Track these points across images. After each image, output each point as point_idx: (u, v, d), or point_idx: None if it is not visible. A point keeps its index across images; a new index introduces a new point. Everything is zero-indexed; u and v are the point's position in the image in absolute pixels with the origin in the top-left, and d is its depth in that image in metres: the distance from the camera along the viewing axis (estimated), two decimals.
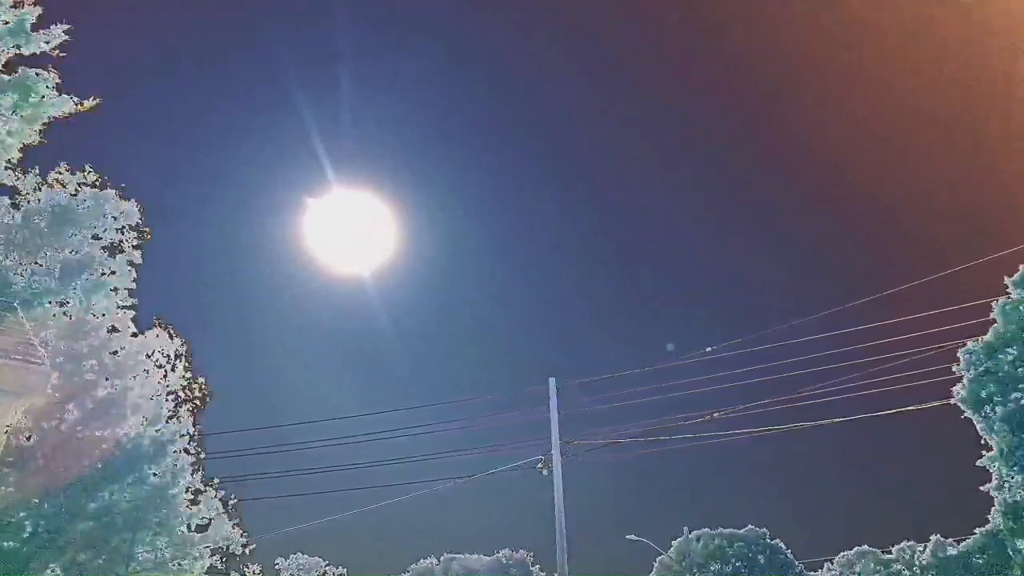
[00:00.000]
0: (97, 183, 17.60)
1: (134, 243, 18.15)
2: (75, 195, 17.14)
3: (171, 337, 21.00)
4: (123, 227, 17.92)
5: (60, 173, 17.26)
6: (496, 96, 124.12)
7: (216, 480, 22.09)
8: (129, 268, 18.09)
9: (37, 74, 15.09)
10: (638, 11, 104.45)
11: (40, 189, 16.82)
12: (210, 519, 20.78)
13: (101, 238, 17.48)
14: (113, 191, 17.70)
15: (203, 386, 21.91)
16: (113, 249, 17.83)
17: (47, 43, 15.10)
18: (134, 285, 18.40)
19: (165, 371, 20.53)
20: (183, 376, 21.17)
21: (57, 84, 15.29)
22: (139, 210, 18.07)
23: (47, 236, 16.32)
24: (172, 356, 20.98)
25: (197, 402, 21.58)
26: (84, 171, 17.47)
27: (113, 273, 17.72)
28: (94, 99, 15.79)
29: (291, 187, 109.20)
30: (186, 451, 20.83)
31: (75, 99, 15.59)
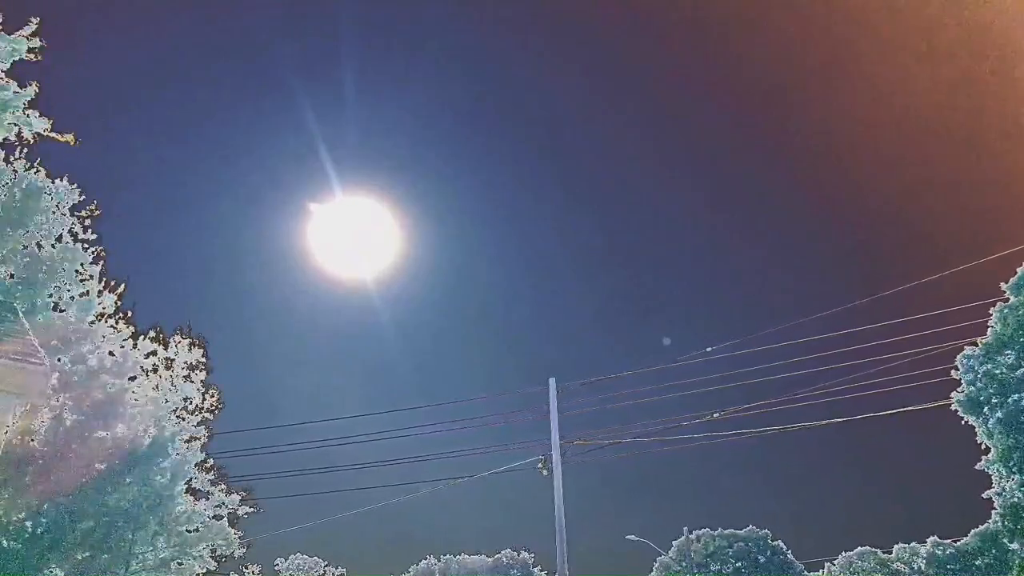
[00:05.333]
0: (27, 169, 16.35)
1: (84, 223, 17.21)
2: (28, 185, 16.12)
3: (191, 347, 21.23)
4: (71, 208, 16.92)
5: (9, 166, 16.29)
6: (497, 100, 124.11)
7: (222, 486, 22.23)
8: (89, 253, 17.27)
9: (14, 91, 14.65)
10: (638, 11, 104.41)
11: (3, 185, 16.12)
12: (209, 520, 20.87)
13: (54, 227, 16.60)
14: (42, 174, 16.47)
15: (217, 396, 22.12)
16: (68, 235, 16.95)
17: (18, 45, 14.57)
18: (99, 267, 17.66)
19: (173, 375, 20.71)
20: (200, 385, 21.41)
21: (31, 100, 14.78)
22: (74, 185, 16.93)
23: (9, 229, 15.72)
24: (191, 365, 21.22)
25: (208, 413, 21.79)
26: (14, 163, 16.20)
27: (74, 261, 16.91)
28: (72, 135, 15.31)
29: (295, 193, 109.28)
30: (202, 466, 21.03)
31: (50, 125, 15.08)
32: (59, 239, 16.83)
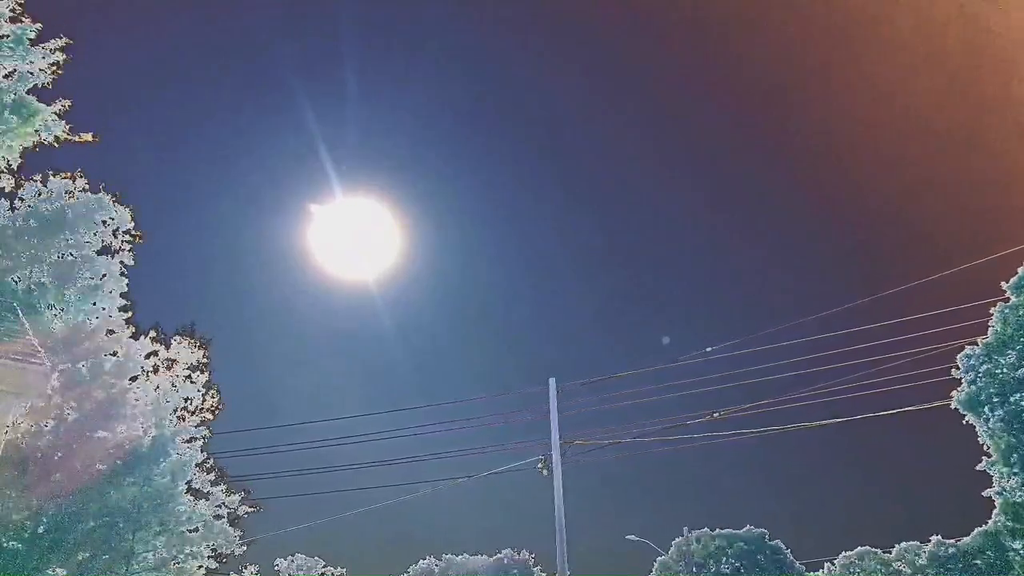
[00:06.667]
0: (87, 188, 17.82)
1: (127, 247, 18.43)
2: (70, 200, 17.29)
3: (194, 348, 21.29)
4: (116, 230, 18.17)
5: (56, 178, 17.40)
6: (497, 100, 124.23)
7: (223, 486, 22.24)
8: (122, 271, 18.33)
9: (40, 100, 15.07)
10: (638, 11, 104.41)
11: (40, 195, 16.96)
12: (209, 519, 20.87)
13: (93, 242, 17.70)
14: (106, 196, 17.92)
15: (216, 396, 22.16)
16: (106, 252, 18.08)
17: (44, 58, 14.98)
18: (127, 288, 18.65)
19: (174, 375, 20.74)
20: (201, 385, 21.46)
21: (59, 112, 15.22)
22: (131, 213, 18.39)
23: (42, 240, 16.40)
24: (193, 365, 21.28)
25: (209, 413, 21.83)
26: (74, 176, 17.65)
27: (105, 276, 17.95)
28: (92, 134, 15.87)
29: (296, 193, 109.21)
30: (202, 466, 21.10)
31: (71, 129, 15.55)
32: (98, 253, 17.90)
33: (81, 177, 17.72)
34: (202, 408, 21.67)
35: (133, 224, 18.52)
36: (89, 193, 17.73)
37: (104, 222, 17.85)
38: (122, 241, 18.36)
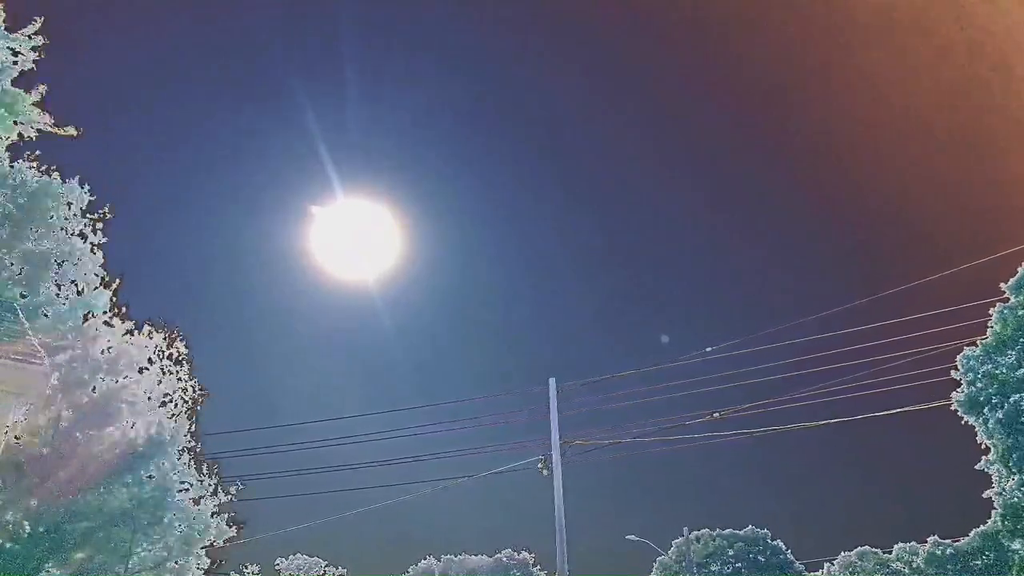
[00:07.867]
0: (42, 171, 16.66)
1: (96, 226, 17.41)
2: (30, 186, 16.30)
3: (169, 342, 20.97)
4: (78, 211, 17.03)
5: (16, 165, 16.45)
6: (497, 100, 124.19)
7: (214, 482, 22.12)
8: (93, 252, 17.43)
9: (22, 91, 14.90)
10: (638, 11, 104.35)
11: (15, 183, 16.39)
12: (207, 517, 20.82)
13: (65, 227, 16.80)
14: (55, 175, 16.69)
15: (197, 388, 21.92)
16: (72, 234, 17.07)
17: (20, 44, 14.80)
18: (105, 274, 17.84)
19: (163, 371, 20.54)
20: (182, 378, 21.23)
21: (37, 101, 14.97)
22: (87, 189, 17.10)
23: (15, 230, 15.91)
24: (172, 359, 21.03)
25: (190, 404, 21.59)
26: (32, 162, 16.48)
27: (80, 262, 17.14)
28: (74, 128, 15.51)
29: (296, 194, 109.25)
30: (188, 451, 20.91)
31: (54, 124, 15.30)
32: (68, 239, 17.01)
33: (32, 161, 16.49)
34: (186, 400, 21.41)
35: (94, 198, 17.22)
36: (44, 177, 16.54)
37: (68, 204, 16.73)
38: (87, 220, 17.21)
